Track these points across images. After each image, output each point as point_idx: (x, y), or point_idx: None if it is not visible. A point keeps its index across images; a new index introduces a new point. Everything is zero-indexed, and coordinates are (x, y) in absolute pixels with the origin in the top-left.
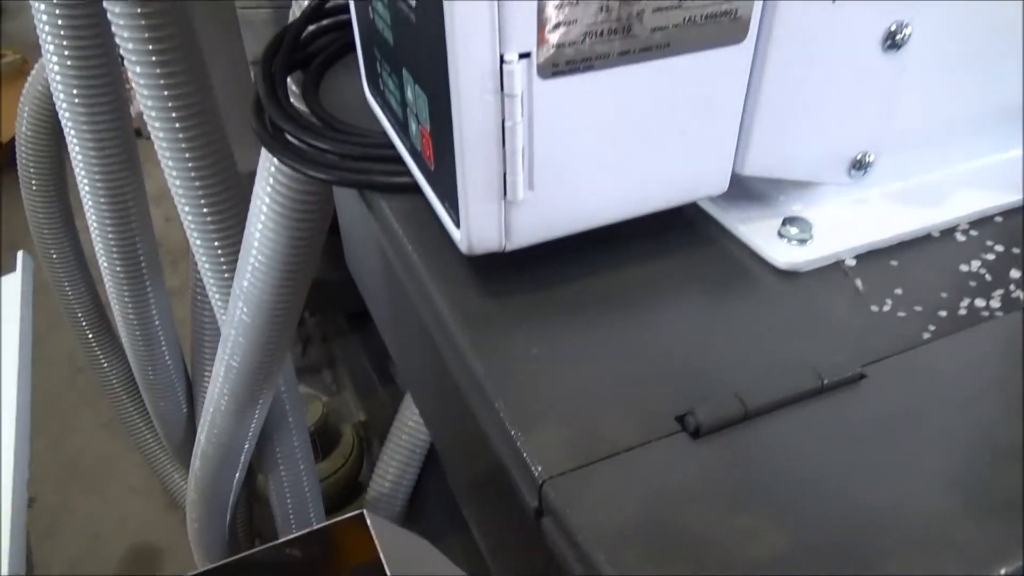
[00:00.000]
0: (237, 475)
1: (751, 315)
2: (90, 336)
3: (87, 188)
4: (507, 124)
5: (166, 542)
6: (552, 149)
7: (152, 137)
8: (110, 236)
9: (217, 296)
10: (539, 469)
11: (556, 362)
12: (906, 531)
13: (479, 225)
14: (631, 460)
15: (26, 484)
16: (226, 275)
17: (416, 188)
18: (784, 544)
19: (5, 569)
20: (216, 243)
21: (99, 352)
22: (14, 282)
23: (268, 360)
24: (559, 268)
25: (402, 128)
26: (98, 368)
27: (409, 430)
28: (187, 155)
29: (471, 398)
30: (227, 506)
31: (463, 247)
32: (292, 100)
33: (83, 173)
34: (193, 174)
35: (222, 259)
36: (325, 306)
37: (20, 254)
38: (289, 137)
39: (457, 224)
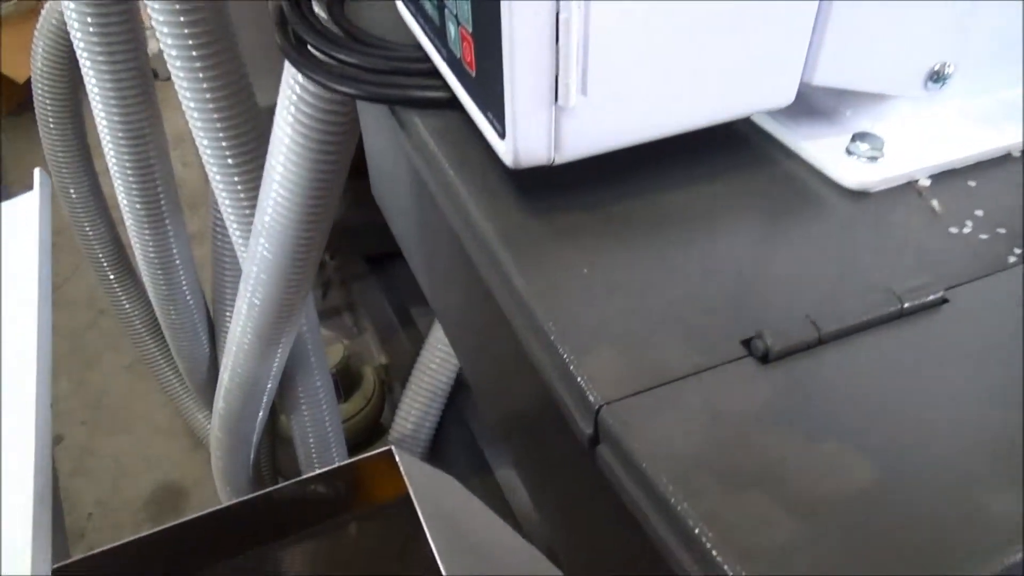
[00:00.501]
0: (260, 414)
1: (819, 237)
2: (111, 277)
3: (105, 124)
4: (562, 17)
5: (191, 480)
6: (608, 49)
7: (170, 67)
8: (128, 172)
9: (238, 234)
10: (595, 394)
11: (609, 283)
12: (994, 462)
13: (527, 134)
14: (694, 385)
15: (51, 412)
16: (247, 212)
17: (452, 103)
18: (870, 473)
19: (31, 509)
20: (236, 178)
21: (121, 293)
22: (31, 201)
23: (290, 298)
24: (608, 189)
25: (438, 34)
26: (120, 309)
27: (431, 372)
28: (205, 85)
29: (516, 322)
30: (251, 445)
31: (508, 160)
32: (317, 11)
33: (100, 107)
34: (212, 106)
35: (242, 195)
36: (345, 249)
37: (36, 172)
38: (314, 51)
39: (501, 135)
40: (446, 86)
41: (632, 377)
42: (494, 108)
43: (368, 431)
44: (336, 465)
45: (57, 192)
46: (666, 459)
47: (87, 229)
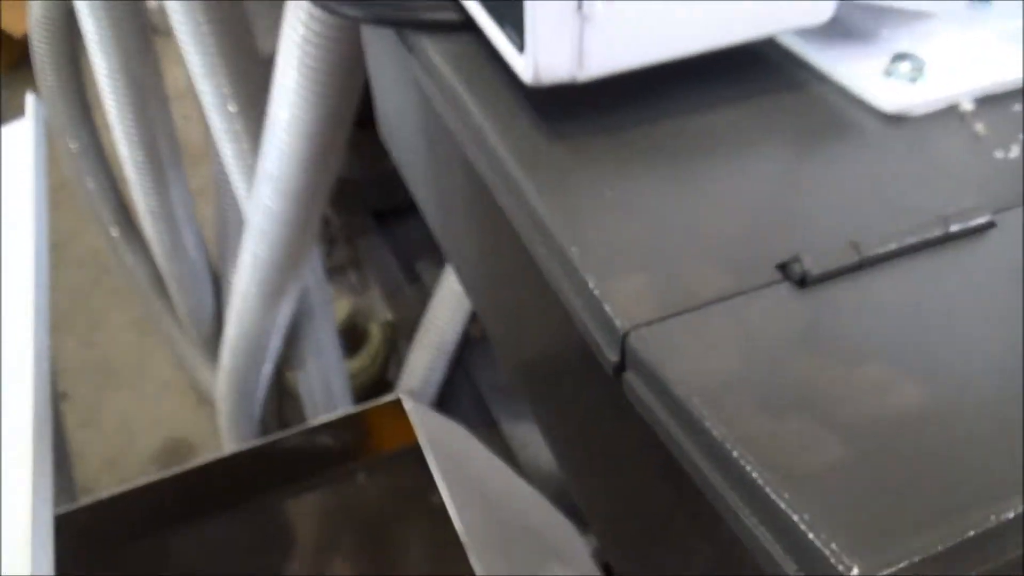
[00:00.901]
0: (266, 367)
1: (856, 162)
2: (114, 234)
3: (104, 72)
4: None
5: (199, 436)
6: None
7: (169, 12)
8: (129, 122)
9: (241, 184)
10: (621, 319)
11: (633, 207)
12: None
13: (548, 47)
14: (726, 310)
15: (48, 339)
16: (250, 161)
17: (465, 25)
18: (920, 397)
19: (30, 463)
20: (238, 126)
21: (124, 250)
22: (25, 127)
23: (295, 249)
24: (630, 112)
25: None
26: (124, 267)
27: (438, 328)
28: (205, 29)
29: (536, 250)
30: (257, 400)
31: (527, 76)
32: None
33: (100, 56)
34: (213, 50)
35: (245, 144)
36: (350, 205)
37: (29, 98)
38: None
39: (520, 48)
40: (458, 7)
41: (660, 302)
42: (512, 20)
43: (374, 387)
44: (344, 413)
45: (57, 146)
46: (699, 383)
47: (88, 183)
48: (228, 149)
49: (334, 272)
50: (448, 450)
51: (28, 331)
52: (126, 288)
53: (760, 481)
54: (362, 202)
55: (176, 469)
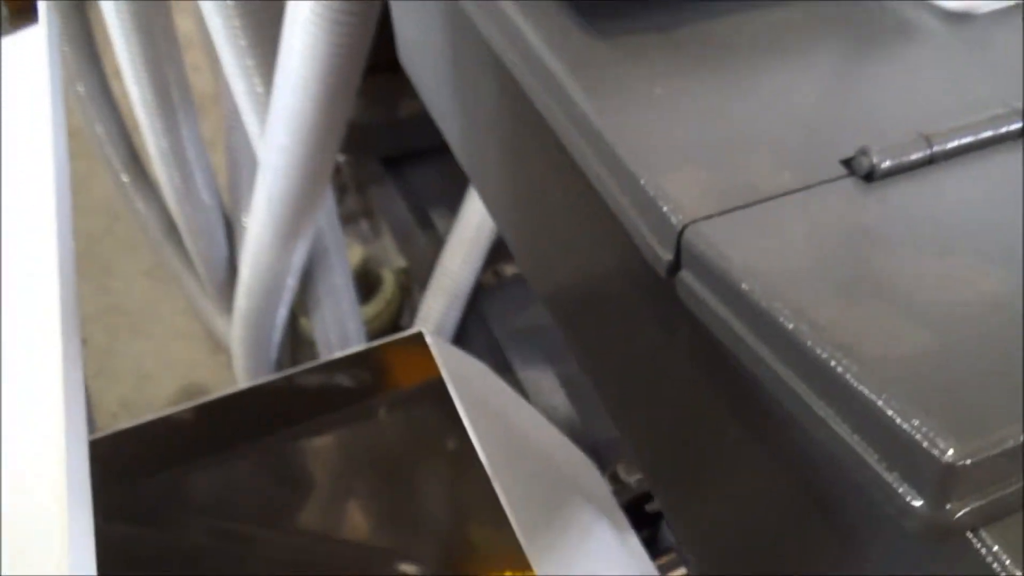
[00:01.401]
0: (282, 310)
1: (921, 58)
2: (125, 179)
3: (113, 11)
4: None
5: (214, 383)
6: None
7: None
8: (138, 64)
9: (253, 123)
10: (677, 215)
11: (686, 104)
12: None
13: None
14: (790, 205)
15: (73, 263)
16: (261, 98)
17: None
18: (998, 285)
19: (62, 403)
20: (249, 61)
21: (135, 196)
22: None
23: (309, 187)
24: (678, 10)
25: None
26: (135, 213)
27: (451, 274)
28: None
29: (581, 153)
30: (272, 344)
31: None
32: None
33: None
34: None
35: (256, 80)
36: (361, 151)
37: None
38: None
39: None
40: None
41: (718, 197)
42: None
43: (388, 334)
44: (364, 347)
45: (66, 91)
46: (765, 274)
47: (98, 128)
48: (240, 86)
49: (346, 221)
50: (469, 385)
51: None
52: (138, 236)
53: (840, 369)
54: (373, 148)
55: (193, 402)
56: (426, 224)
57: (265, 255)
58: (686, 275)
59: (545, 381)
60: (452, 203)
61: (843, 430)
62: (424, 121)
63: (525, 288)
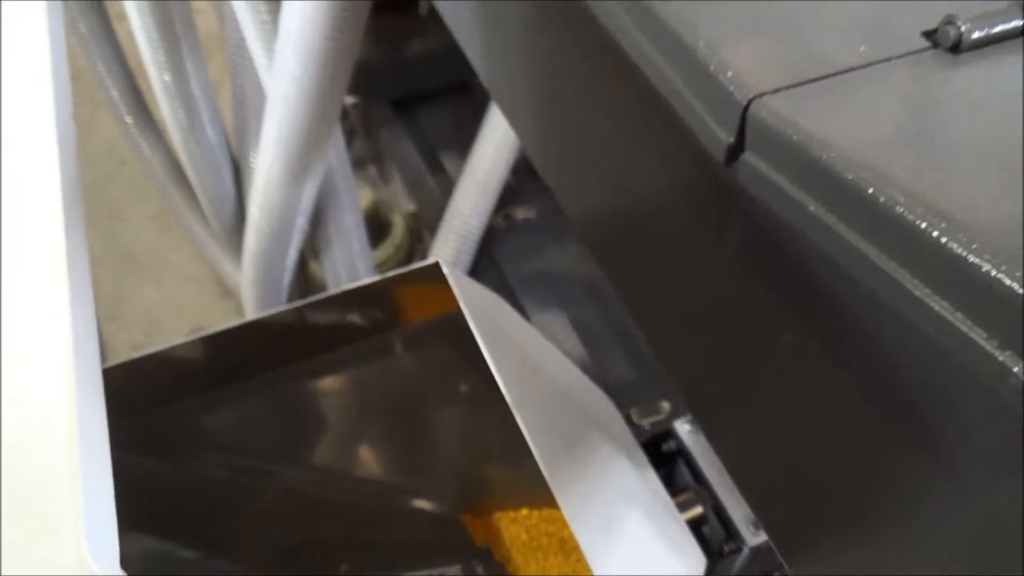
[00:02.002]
0: (292, 251)
1: None
2: (129, 120)
3: None
4: None
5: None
6: None
7: None
8: None
9: (261, 53)
10: (741, 89)
11: None
12: None
13: None
14: (868, 77)
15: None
16: (269, 27)
17: None
18: None
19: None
20: None
21: (140, 138)
22: None
23: (318, 120)
24: None
25: None
26: (141, 157)
27: (463, 216)
28: None
29: (626, 32)
30: (282, 287)
31: None
32: None
33: None
34: None
35: (263, 10)
36: (369, 93)
37: None
38: None
39: None
40: None
41: (787, 69)
42: None
43: None
44: (380, 277)
45: (68, 30)
46: (847, 146)
47: (100, 67)
48: (246, 15)
49: (354, 166)
50: (488, 317)
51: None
52: (145, 181)
53: (941, 238)
54: (381, 90)
55: (205, 332)
56: (436, 167)
57: (275, 192)
58: (750, 157)
59: (558, 325)
60: (462, 145)
61: (943, 307)
62: (433, 61)
63: (537, 232)
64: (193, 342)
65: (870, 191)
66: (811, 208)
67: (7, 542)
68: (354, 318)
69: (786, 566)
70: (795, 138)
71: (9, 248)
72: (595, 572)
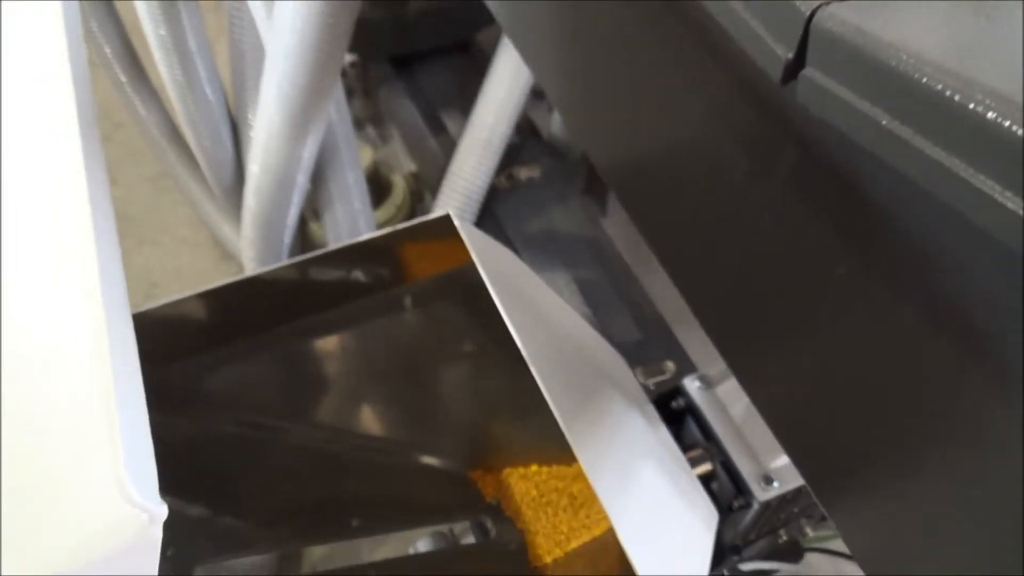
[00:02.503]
0: (292, 211)
1: None
2: (123, 80)
3: None
4: None
5: None
6: None
7: None
8: None
9: (260, 6)
10: None
11: None
12: None
13: None
14: None
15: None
16: None
17: None
18: None
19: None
20: None
21: (135, 98)
22: None
23: (320, 72)
24: None
25: None
26: (136, 117)
27: (465, 176)
28: None
29: None
30: (283, 247)
31: None
32: None
33: None
34: None
35: None
36: (368, 50)
37: None
38: None
39: None
40: None
41: None
42: None
43: None
44: (388, 230)
45: None
46: (923, 52)
47: (93, 26)
48: None
49: (352, 126)
50: (499, 268)
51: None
52: (141, 143)
53: None
54: (381, 48)
55: (209, 286)
56: (437, 127)
57: (275, 148)
58: (811, 73)
59: (561, 284)
60: (464, 104)
61: None
62: (434, 18)
63: (540, 191)
64: (196, 298)
65: (956, 98)
66: (884, 123)
67: (44, 473)
68: (361, 273)
69: (825, 510)
70: (868, 47)
71: (33, 190)
72: (615, 523)
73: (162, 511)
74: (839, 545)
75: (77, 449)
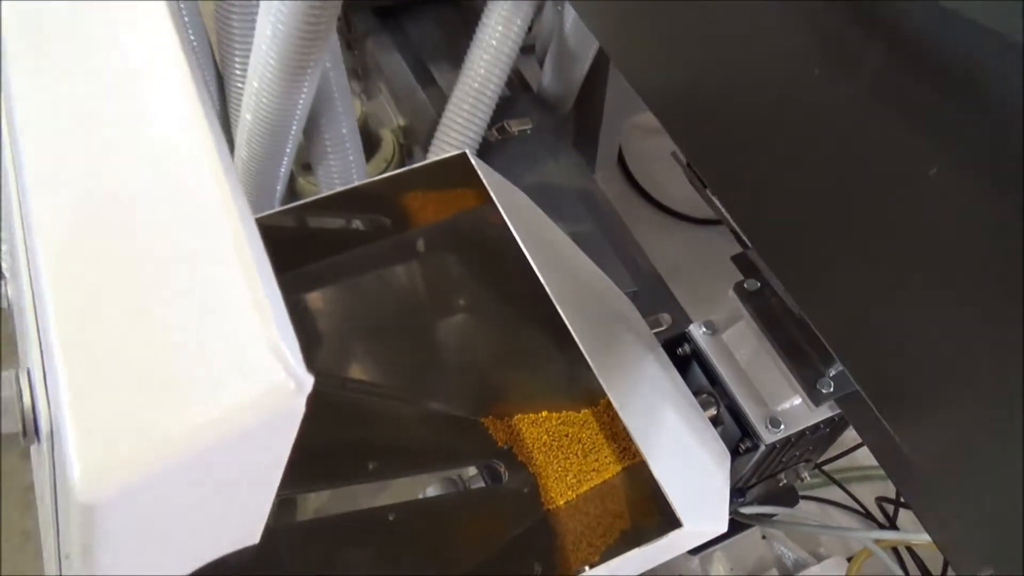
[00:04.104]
0: (285, 160)
1: None
2: None
3: None
4: None
5: None
6: None
7: None
8: None
9: None
10: None
11: None
12: None
13: None
14: None
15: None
16: None
17: None
18: None
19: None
20: None
21: None
22: None
23: (317, 13)
24: None
25: None
26: None
27: (457, 129)
28: None
29: None
30: (276, 198)
31: None
32: None
33: None
34: None
35: None
36: (351, 2)
37: None
38: None
39: None
40: None
41: None
42: None
43: None
44: (402, 170)
45: None
46: None
47: None
48: None
49: None
50: (516, 208)
51: None
52: None
53: None
54: None
55: None
56: (426, 79)
57: (269, 95)
58: None
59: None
60: (454, 56)
61: None
62: None
63: (532, 144)
64: None
65: None
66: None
67: (202, 345)
68: (367, 218)
69: (886, 422)
70: None
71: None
72: (648, 459)
73: (310, 380)
74: (826, 493)
75: (232, 322)
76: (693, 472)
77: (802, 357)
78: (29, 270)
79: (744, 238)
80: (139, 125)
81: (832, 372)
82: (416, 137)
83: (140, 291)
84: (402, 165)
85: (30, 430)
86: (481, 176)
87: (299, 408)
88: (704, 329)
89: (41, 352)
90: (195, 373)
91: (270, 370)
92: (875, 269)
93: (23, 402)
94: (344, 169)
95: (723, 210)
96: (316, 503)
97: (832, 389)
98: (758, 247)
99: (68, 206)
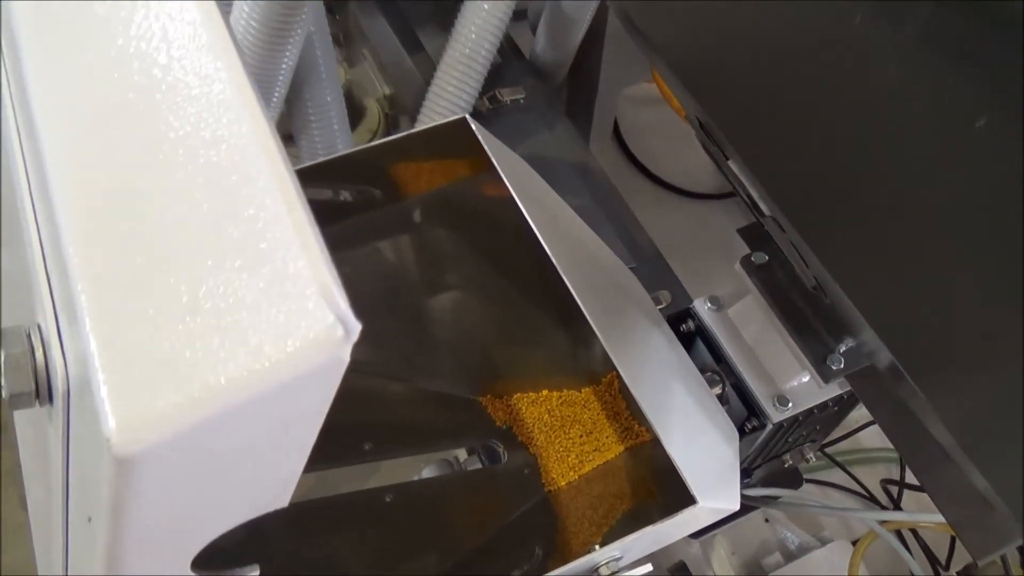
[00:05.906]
0: None
1: None
2: None
3: None
4: None
5: None
6: None
7: None
8: None
9: None
10: None
11: None
12: None
13: None
14: None
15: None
16: None
17: None
18: None
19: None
20: None
21: None
22: None
23: None
24: None
25: None
26: None
27: (447, 97)
28: None
29: None
30: None
31: None
32: None
33: None
34: None
35: None
36: None
37: None
38: None
39: None
40: None
41: None
42: None
43: None
44: (400, 135)
45: None
46: None
47: None
48: None
49: None
50: (519, 177)
51: None
52: None
53: None
54: None
55: None
56: (414, 45)
57: (252, 55)
58: None
59: None
60: (442, 20)
61: None
62: None
63: (525, 113)
64: None
65: None
66: None
67: (241, 284)
68: (357, 188)
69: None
70: None
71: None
72: (660, 435)
73: (358, 327)
74: (828, 476)
75: (280, 264)
76: (705, 449)
77: (811, 333)
78: (36, 218)
79: (762, 205)
80: (175, 71)
81: (843, 348)
82: (403, 106)
83: (174, 232)
84: (388, 136)
85: (43, 390)
86: (482, 142)
87: (345, 357)
88: (709, 305)
89: (54, 305)
90: (238, 319)
91: (319, 316)
92: (917, 223)
93: (35, 359)
94: (328, 139)
95: (741, 176)
96: (303, 487)
97: (843, 365)
98: (784, 206)
99: (96, 149)
